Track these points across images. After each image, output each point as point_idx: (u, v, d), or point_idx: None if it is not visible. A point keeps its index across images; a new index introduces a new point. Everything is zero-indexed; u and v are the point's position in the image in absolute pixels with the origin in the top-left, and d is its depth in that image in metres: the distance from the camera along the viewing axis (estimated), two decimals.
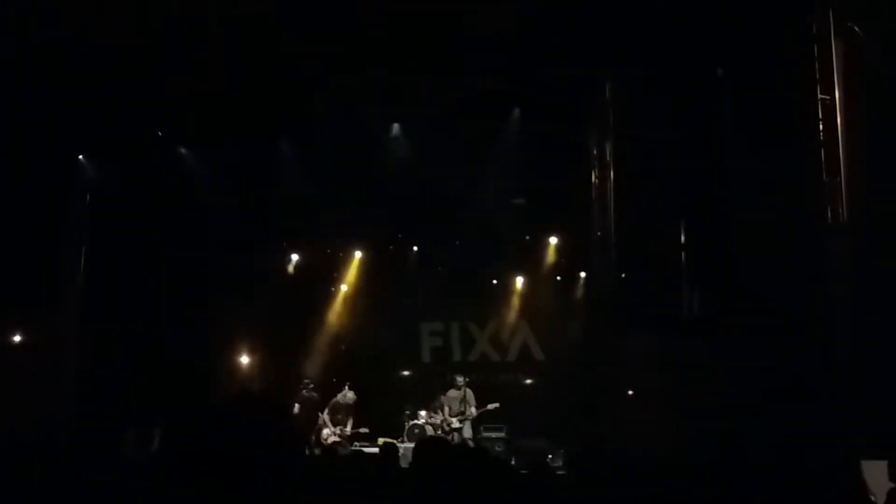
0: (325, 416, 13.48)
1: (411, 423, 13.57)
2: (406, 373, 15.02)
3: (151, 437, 12.56)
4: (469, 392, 13.51)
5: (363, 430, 13.48)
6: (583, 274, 13.83)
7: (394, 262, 14.90)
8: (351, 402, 13.55)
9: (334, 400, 13.59)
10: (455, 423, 13.29)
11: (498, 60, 12.67)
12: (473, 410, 13.41)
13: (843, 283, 10.42)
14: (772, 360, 10.57)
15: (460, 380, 13.67)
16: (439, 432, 13.32)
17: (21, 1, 11.58)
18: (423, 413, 13.63)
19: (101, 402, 13.03)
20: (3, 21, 11.67)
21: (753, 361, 10.69)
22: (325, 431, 13.41)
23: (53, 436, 12.66)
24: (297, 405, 13.38)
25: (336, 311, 15.15)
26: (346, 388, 13.62)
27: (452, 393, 13.59)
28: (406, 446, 12.82)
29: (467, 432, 13.41)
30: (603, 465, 7.87)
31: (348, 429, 13.47)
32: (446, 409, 13.51)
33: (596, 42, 11.98)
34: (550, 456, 12.02)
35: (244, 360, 14.70)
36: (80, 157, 14.16)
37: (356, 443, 13.11)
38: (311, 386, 13.58)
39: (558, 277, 14.19)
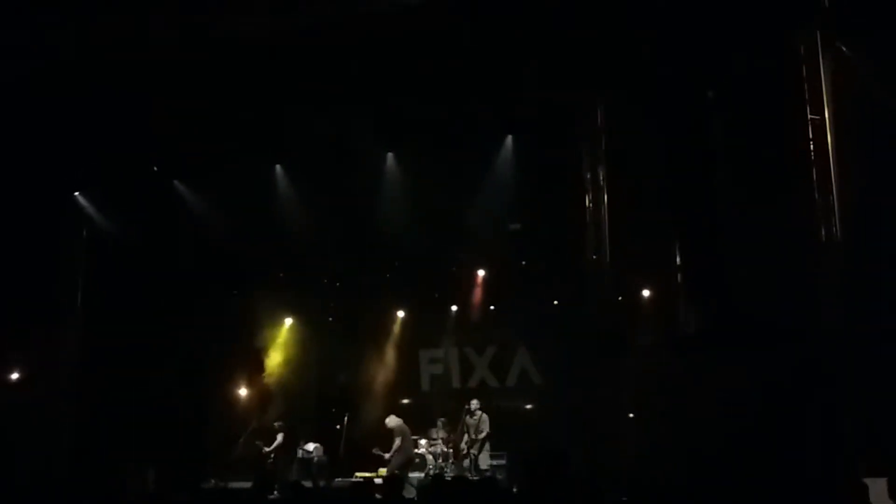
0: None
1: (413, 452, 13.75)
2: (405, 401, 15.23)
3: (147, 477, 12.79)
4: (483, 417, 13.57)
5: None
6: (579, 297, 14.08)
7: (391, 291, 15.15)
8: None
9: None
10: (474, 451, 13.38)
11: (489, 86, 13.03)
12: (481, 436, 13.43)
13: (836, 298, 10.73)
14: (768, 376, 10.85)
15: (475, 404, 13.73)
16: (440, 461, 13.48)
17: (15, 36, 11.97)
18: (423, 442, 13.81)
19: (99, 434, 13.28)
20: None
21: (750, 378, 10.97)
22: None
23: (53, 467, 12.92)
24: (280, 435, 13.64)
25: (333, 341, 15.42)
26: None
27: (469, 420, 13.64)
28: (409, 476, 13.08)
29: (484, 461, 13.40)
30: (606, 486, 8.16)
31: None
32: (465, 436, 13.57)
33: (586, 66, 12.36)
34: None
35: (242, 393, 14.93)
36: (76, 193, 14.51)
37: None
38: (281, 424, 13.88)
39: (555, 301, 14.48)
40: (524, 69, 12.48)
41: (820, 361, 10.62)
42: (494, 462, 13.47)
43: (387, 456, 13.41)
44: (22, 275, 13.40)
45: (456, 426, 13.82)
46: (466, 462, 13.33)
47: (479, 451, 13.40)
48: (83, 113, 12.84)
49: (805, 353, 10.68)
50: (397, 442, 13.53)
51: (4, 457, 12.56)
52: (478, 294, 14.97)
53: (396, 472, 12.71)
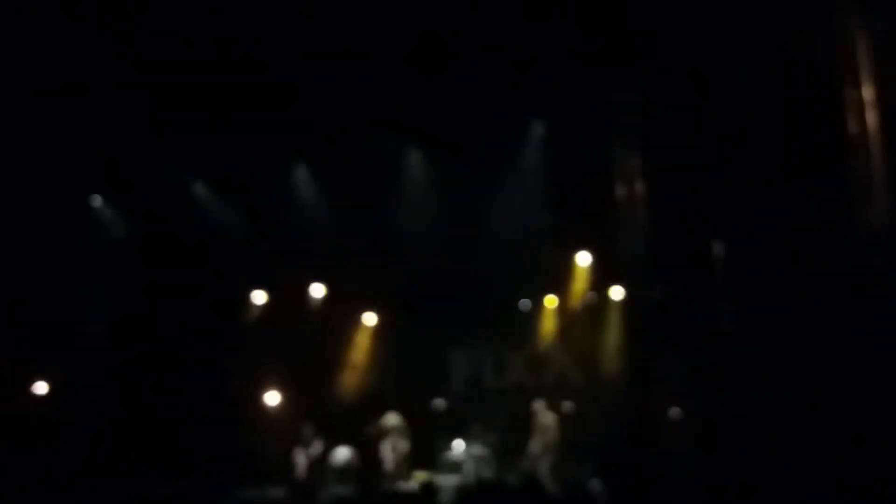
0: (385, 445, 13.55)
1: (445, 454, 13.63)
2: (439, 402, 15.08)
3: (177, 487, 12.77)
4: (551, 417, 13.22)
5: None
6: (617, 292, 13.92)
7: (421, 288, 15.02)
8: (394, 424, 13.65)
9: (383, 428, 13.65)
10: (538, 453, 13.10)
11: (517, 74, 12.83)
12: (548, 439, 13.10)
13: (884, 286, 10.53)
14: (814, 368, 10.70)
15: (540, 405, 13.34)
16: (482, 464, 13.34)
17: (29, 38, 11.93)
18: (457, 443, 13.70)
19: (124, 450, 13.29)
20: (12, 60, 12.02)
21: (795, 371, 10.83)
22: (388, 461, 13.49)
23: (75, 487, 12.96)
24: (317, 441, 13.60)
25: (364, 341, 15.36)
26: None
27: (537, 422, 13.29)
28: (442, 479, 12.99)
29: (547, 466, 12.96)
30: (647, 490, 8.05)
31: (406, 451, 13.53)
32: (535, 439, 13.24)
33: (617, 51, 12.16)
34: (594, 480, 12.06)
35: (273, 399, 14.86)
36: (97, 198, 14.58)
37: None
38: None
39: (592, 296, 14.32)
40: (553, 56, 12.31)
41: (870, 355, 10.44)
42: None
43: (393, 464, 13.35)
44: (42, 285, 13.42)
45: (490, 427, 13.73)
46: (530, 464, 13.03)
47: (546, 455, 13.09)
48: (102, 116, 12.84)
49: (853, 347, 10.50)
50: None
51: (28, 465, 12.61)
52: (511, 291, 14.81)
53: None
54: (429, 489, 9.83)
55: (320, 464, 13.36)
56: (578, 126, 13.15)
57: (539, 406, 13.45)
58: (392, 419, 13.61)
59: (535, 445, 13.22)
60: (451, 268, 14.56)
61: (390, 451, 13.44)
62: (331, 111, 13.36)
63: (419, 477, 12.79)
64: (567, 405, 13.38)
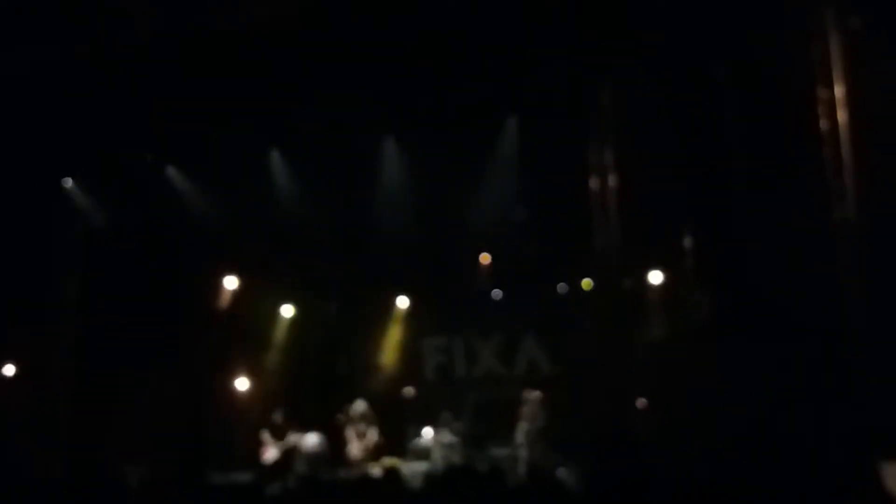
0: (350, 432, 13.64)
1: (414, 441, 13.70)
2: (410, 390, 15.12)
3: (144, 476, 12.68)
4: (539, 406, 13.23)
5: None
6: (587, 282, 14.02)
7: (393, 278, 15.04)
8: (362, 411, 13.72)
9: (350, 415, 13.71)
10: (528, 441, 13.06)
11: (493, 66, 12.86)
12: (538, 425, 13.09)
13: (852, 282, 10.63)
14: (784, 363, 10.79)
15: (529, 393, 13.37)
16: (451, 452, 13.36)
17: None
18: (427, 431, 13.73)
19: (95, 430, 13.23)
20: None
21: (765, 365, 10.92)
22: (353, 447, 13.55)
23: (48, 469, 12.86)
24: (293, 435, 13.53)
25: (333, 329, 15.37)
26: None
27: (525, 410, 13.31)
28: (411, 466, 13.03)
29: (539, 452, 12.99)
30: (616, 478, 8.08)
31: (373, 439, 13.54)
32: (524, 424, 13.30)
33: (591, 45, 12.22)
34: (561, 468, 12.14)
35: (242, 384, 14.85)
36: (68, 181, 14.44)
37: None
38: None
39: (562, 286, 14.40)
40: (528, 46, 12.33)
41: (837, 346, 10.54)
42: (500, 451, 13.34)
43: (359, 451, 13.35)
44: (14, 268, 13.33)
45: (460, 416, 13.74)
46: (522, 452, 13.05)
47: (536, 442, 13.09)
48: (74, 102, 12.73)
49: (821, 338, 10.60)
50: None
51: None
52: (483, 281, 14.84)
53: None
54: (393, 475, 9.77)
55: (289, 450, 13.35)
56: (553, 119, 13.19)
57: (527, 395, 13.44)
58: (360, 406, 13.64)
59: (520, 433, 13.27)
60: (425, 257, 14.60)
61: (357, 438, 13.48)
62: (307, 99, 13.33)
63: (386, 463, 12.80)
64: (535, 394, 13.39)
